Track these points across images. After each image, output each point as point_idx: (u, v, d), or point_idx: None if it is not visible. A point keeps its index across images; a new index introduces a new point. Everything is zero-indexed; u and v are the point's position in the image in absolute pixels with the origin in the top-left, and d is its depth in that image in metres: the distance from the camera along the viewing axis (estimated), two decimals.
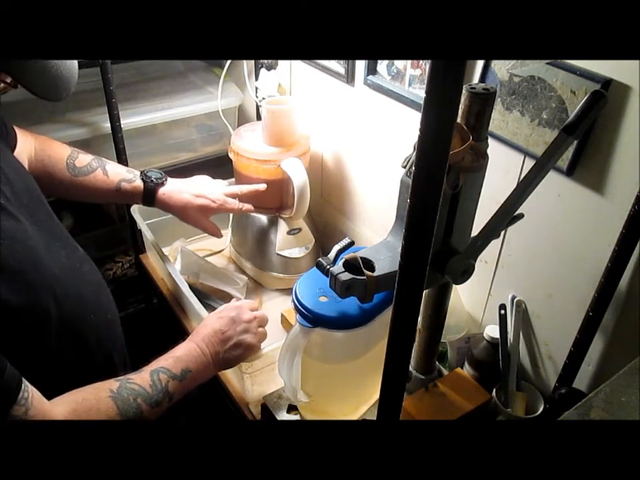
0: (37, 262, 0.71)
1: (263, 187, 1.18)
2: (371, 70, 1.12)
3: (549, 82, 0.79)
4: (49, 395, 0.66)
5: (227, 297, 1.22)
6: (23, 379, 0.62)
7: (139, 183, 1.06)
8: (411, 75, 1.03)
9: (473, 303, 1.08)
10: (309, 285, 0.79)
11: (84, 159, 1.01)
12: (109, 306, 0.88)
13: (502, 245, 0.97)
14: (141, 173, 1.07)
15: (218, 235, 1.15)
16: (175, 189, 1.09)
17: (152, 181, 1.07)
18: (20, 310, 0.67)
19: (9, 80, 0.67)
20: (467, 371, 1.00)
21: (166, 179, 1.09)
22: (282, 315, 1.18)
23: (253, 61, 1.45)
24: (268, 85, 1.39)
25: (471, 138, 0.66)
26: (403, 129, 1.10)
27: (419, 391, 0.91)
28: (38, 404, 0.63)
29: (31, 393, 0.62)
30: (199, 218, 1.10)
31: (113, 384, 0.72)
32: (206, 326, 0.88)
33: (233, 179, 1.33)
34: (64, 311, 0.74)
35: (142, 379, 0.75)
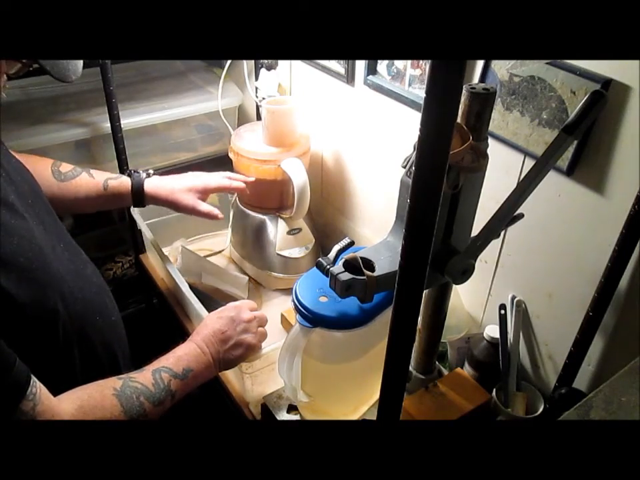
0: (44, 261, 0.71)
1: (251, 179, 1.21)
2: (371, 70, 1.12)
3: (549, 82, 0.79)
4: (55, 393, 0.66)
5: (228, 297, 1.22)
6: (32, 375, 0.62)
7: (125, 179, 1.07)
8: (411, 75, 1.04)
9: (473, 303, 1.08)
10: (309, 284, 0.79)
11: (67, 165, 1.04)
12: (112, 308, 0.89)
13: (502, 245, 0.97)
14: (127, 171, 1.10)
15: (215, 217, 1.10)
16: (163, 180, 1.11)
17: (139, 173, 1.09)
18: (29, 307, 0.67)
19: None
20: (467, 370, 1.00)
21: (153, 174, 1.11)
22: (282, 315, 1.18)
23: (252, 61, 1.45)
24: (268, 84, 1.39)
25: (471, 138, 0.66)
26: (403, 129, 1.10)
27: (419, 391, 0.91)
28: (46, 399, 0.63)
29: (39, 388, 0.62)
30: (189, 201, 1.08)
31: (116, 382, 0.72)
32: (206, 326, 0.88)
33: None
34: (71, 312, 0.74)
35: (144, 378, 0.75)
